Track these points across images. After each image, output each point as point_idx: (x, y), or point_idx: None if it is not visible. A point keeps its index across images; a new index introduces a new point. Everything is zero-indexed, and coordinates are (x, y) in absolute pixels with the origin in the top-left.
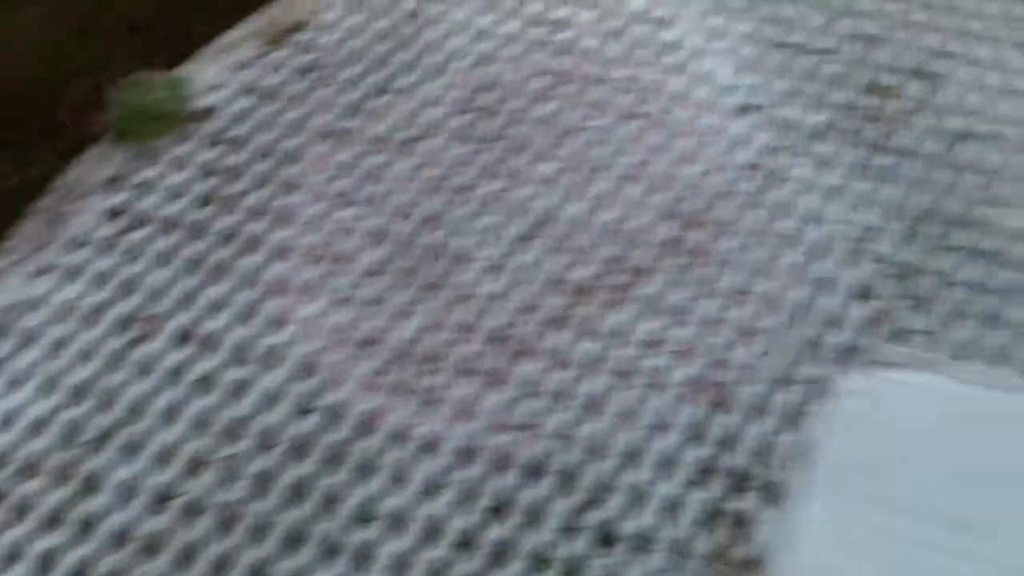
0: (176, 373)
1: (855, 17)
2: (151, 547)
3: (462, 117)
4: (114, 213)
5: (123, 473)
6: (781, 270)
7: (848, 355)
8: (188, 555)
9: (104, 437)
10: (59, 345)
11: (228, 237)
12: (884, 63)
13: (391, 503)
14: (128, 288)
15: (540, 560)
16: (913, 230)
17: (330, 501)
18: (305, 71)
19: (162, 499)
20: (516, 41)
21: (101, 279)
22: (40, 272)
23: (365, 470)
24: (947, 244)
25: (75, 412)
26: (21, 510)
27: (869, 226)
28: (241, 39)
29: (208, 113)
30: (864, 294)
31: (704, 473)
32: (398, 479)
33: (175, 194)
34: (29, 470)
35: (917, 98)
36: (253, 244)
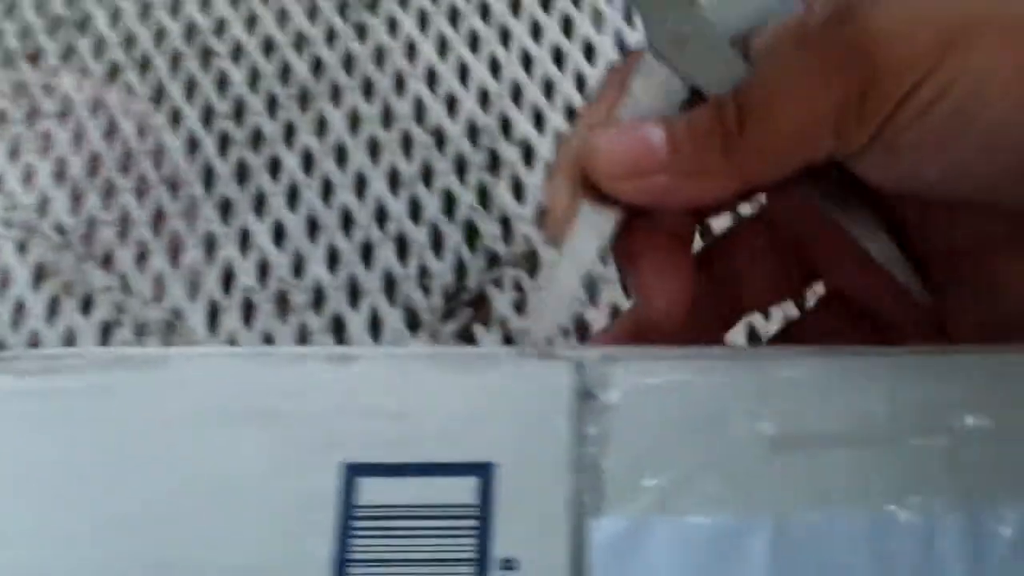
0: None
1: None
2: None
3: None
4: None
5: None
6: None
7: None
8: None
9: None
10: None
11: None
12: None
13: None
14: None
15: None
16: (79, 190)
17: None
18: None
19: None
20: None
21: None
22: None
23: None
24: (118, 189)
25: None
26: None
27: (38, 205)
28: None
29: None
30: (43, 274)
31: None
32: None
33: None
34: None
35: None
36: None
